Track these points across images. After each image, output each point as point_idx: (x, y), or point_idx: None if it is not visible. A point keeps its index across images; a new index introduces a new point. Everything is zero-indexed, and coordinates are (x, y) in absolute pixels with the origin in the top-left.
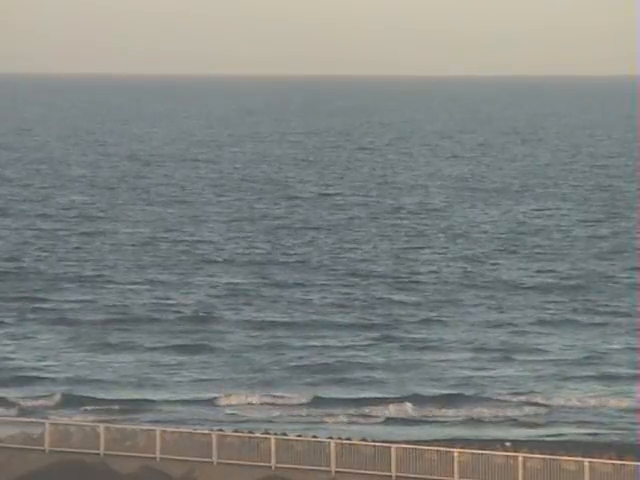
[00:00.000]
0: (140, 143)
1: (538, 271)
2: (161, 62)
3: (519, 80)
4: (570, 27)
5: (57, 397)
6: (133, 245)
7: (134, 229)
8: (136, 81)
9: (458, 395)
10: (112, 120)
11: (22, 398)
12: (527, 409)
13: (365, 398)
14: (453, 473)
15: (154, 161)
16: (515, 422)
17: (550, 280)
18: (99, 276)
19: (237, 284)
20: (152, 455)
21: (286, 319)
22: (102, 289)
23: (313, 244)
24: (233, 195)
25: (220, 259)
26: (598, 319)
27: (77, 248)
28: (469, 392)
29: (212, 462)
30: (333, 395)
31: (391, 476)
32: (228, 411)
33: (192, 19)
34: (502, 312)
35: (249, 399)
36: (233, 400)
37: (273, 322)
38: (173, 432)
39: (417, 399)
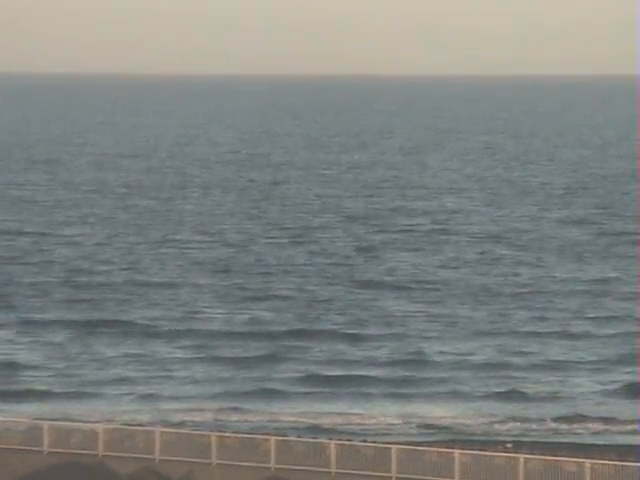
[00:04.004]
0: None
1: (540, 276)
2: (159, 62)
3: (518, 80)
4: (570, 27)
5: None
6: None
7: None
8: (133, 82)
9: (457, 397)
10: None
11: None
12: (526, 410)
13: (364, 399)
14: (454, 474)
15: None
16: (515, 423)
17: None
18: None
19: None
20: (151, 456)
21: (286, 328)
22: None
23: (317, 248)
24: (235, 196)
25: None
26: (597, 321)
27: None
28: (469, 394)
29: (211, 463)
30: (333, 396)
31: (391, 477)
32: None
33: (192, 18)
34: (501, 317)
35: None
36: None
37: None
38: (172, 433)
39: (416, 400)
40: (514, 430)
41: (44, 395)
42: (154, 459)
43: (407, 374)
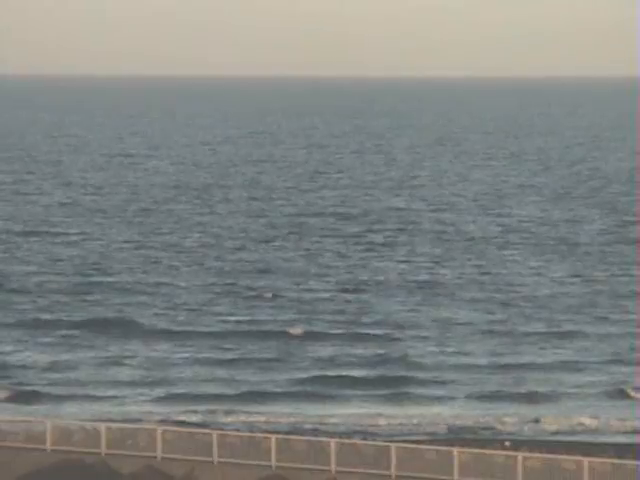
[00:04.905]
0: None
1: (540, 276)
2: (159, 64)
3: (518, 82)
4: (570, 27)
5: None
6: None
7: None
8: (133, 83)
9: (456, 397)
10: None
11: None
12: (527, 411)
13: (363, 399)
14: (453, 472)
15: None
16: (513, 421)
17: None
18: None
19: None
20: (153, 454)
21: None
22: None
23: (314, 250)
24: (238, 196)
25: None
26: (596, 321)
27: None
28: (469, 393)
29: (213, 461)
30: (335, 398)
31: (391, 475)
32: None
33: (192, 19)
34: (502, 318)
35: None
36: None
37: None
38: (174, 431)
39: (415, 399)
40: (513, 429)
41: (47, 395)
42: (156, 457)
43: (406, 374)
